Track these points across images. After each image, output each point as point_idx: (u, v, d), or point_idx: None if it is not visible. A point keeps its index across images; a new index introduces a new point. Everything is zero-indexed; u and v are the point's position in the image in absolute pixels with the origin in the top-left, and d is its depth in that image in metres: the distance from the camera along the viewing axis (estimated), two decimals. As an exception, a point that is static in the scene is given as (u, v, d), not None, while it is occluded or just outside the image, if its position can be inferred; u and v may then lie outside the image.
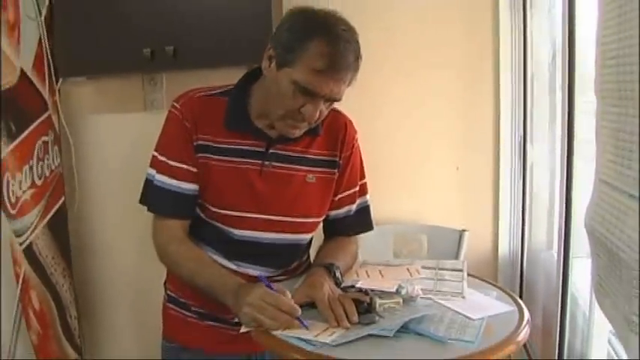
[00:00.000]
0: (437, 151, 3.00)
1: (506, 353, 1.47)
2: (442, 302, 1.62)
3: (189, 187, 1.71)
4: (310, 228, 1.83)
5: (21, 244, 2.61)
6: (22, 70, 2.68)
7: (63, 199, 2.97)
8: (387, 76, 2.94)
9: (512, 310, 1.61)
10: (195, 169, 1.70)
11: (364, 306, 1.51)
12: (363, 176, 1.90)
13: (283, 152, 1.73)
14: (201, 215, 1.76)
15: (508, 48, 2.88)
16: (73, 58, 2.82)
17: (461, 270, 1.84)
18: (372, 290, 1.59)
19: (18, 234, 2.57)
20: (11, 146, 2.57)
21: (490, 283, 1.84)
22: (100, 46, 2.77)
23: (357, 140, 1.87)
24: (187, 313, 1.84)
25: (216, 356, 1.82)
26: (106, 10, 2.76)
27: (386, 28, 2.92)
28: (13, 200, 2.54)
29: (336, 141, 1.80)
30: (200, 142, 1.69)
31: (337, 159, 1.80)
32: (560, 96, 2.24)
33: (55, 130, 2.93)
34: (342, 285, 1.66)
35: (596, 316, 1.77)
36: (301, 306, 1.51)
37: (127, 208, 3.00)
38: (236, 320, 1.59)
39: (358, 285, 1.66)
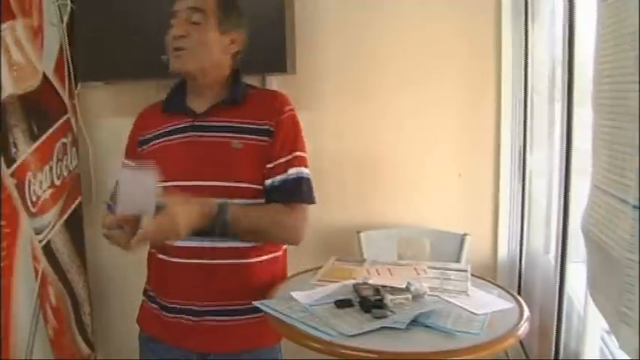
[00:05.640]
0: (440, 159, 3.09)
1: (507, 345, 1.58)
2: (448, 299, 1.72)
3: None
4: (245, 193, 1.86)
5: (40, 241, 2.71)
6: (44, 74, 2.80)
7: (79, 199, 3.07)
8: (392, 85, 3.05)
9: (513, 307, 1.72)
10: (133, 164, 1.91)
11: (377, 301, 1.62)
12: (299, 149, 1.92)
13: (208, 123, 1.87)
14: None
15: (509, 60, 2.97)
16: (92, 63, 2.91)
17: (465, 270, 1.94)
18: (383, 287, 1.69)
19: (37, 232, 2.68)
20: (33, 147, 2.68)
21: (492, 283, 1.94)
22: (118, 53, 2.86)
23: (289, 112, 1.93)
24: (154, 305, 1.95)
25: (176, 350, 1.90)
26: (124, 18, 2.86)
27: (391, 40, 3.03)
28: (34, 199, 2.65)
29: (268, 111, 1.89)
30: (142, 138, 1.93)
31: (269, 127, 1.87)
32: (558, 107, 2.33)
33: (74, 132, 3.03)
34: (354, 282, 1.76)
35: (590, 317, 1.84)
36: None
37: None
38: (194, 309, 1.82)
39: (370, 282, 1.76)
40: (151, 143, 1.90)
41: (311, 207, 1.91)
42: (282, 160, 1.88)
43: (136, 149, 1.94)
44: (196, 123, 1.86)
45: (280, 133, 1.88)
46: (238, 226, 1.76)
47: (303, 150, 1.93)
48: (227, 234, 1.75)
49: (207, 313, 1.84)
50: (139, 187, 1.57)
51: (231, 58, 1.91)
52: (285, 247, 2.01)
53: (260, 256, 1.91)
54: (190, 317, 1.84)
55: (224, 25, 1.84)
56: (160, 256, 1.90)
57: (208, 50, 1.83)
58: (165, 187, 1.79)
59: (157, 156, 1.85)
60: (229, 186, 1.83)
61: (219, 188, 1.82)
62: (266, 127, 1.87)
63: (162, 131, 1.89)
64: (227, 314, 1.84)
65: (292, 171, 1.88)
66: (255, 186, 1.87)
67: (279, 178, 1.87)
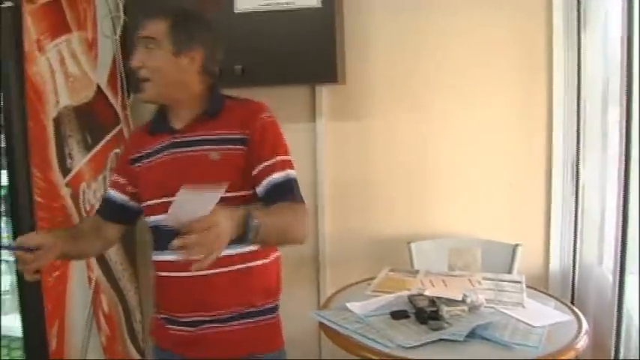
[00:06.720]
0: (490, 168, 3.05)
1: (566, 359, 1.56)
2: (504, 310, 1.70)
3: (114, 193, 2.02)
4: (230, 203, 1.74)
5: (94, 250, 2.76)
6: (98, 86, 2.85)
7: (131, 208, 3.11)
8: (442, 94, 3.03)
9: (571, 319, 1.69)
10: (123, 180, 2.00)
11: (433, 313, 1.61)
12: (280, 153, 1.89)
13: (187, 139, 1.89)
14: (146, 220, 1.94)
15: (561, 69, 2.92)
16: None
17: (520, 282, 1.91)
18: (439, 298, 1.68)
19: (91, 240, 2.72)
20: (87, 157, 2.73)
21: (547, 294, 1.91)
22: (170, 64, 2.89)
23: (265, 118, 1.90)
24: (159, 317, 1.99)
25: (178, 357, 1.94)
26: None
27: (441, 48, 3.01)
28: (88, 208, 2.70)
29: (242, 121, 1.88)
30: (133, 157, 1.98)
31: (244, 136, 1.86)
32: (612, 114, 2.30)
33: (126, 143, 3.08)
34: (409, 293, 1.76)
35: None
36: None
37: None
38: (190, 320, 1.86)
39: (425, 293, 1.75)
40: (139, 163, 1.96)
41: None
42: (265, 164, 1.85)
43: (126, 167, 2.00)
44: (176, 140, 1.90)
45: (256, 140, 1.87)
46: (266, 229, 1.67)
47: (285, 153, 1.90)
48: (257, 238, 1.66)
49: (204, 322, 1.87)
50: (195, 204, 1.51)
51: (200, 74, 1.91)
52: (277, 254, 1.99)
53: (245, 263, 1.88)
54: (189, 328, 1.88)
55: (177, 46, 1.85)
56: (158, 273, 1.95)
57: (164, 75, 1.86)
58: (153, 205, 1.88)
59: (144, 176, 1.94)
60: None
61: None
62: (240, 136, 1.87)
63: (150, 151, 1.94)
64: (223, 322, 1.86)
65: (278, 174, 1.85)
66: (238, 193, 1.85)
67: (265, 182, 1.85)
